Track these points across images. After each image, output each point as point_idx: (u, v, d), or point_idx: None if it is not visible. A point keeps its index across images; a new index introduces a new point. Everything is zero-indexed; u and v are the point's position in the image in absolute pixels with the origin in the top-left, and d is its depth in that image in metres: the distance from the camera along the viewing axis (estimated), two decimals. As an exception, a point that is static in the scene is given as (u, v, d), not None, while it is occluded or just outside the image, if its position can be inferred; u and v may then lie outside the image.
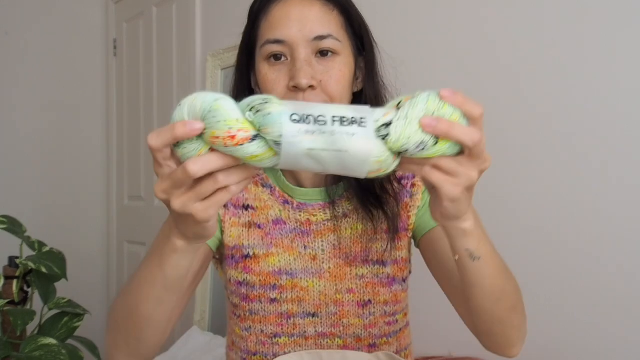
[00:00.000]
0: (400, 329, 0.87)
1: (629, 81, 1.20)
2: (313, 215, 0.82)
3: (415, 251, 0.88)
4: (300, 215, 0.82)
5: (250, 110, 0.49)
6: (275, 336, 0.82)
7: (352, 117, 0.48)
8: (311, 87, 0.72)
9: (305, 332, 0.81)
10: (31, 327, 1.69)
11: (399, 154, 0.51)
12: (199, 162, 0.48)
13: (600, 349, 1.24)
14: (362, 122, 0.48)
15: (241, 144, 0.48)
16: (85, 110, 2.92)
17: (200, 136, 0.50)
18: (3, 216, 1.72)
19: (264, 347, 0.82)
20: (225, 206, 0.84)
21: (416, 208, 0.83)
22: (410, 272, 0.87)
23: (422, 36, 1.61)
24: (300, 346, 0.82)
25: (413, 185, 0.84)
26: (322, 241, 0.82)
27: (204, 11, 2.43)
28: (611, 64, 1.23)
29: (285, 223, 0.83)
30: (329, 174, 0.83)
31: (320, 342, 0.82)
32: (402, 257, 0.83)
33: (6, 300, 1.65)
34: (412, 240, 0.87)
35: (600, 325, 1.24)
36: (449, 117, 0.51)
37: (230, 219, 0.83)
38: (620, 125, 1.22)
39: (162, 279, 0.61)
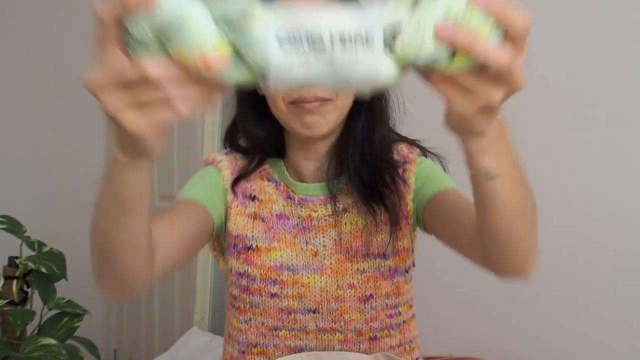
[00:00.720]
0: (404, 321, 0.86)
1: (630, 80, 1.20)
2: (314, 210, 0.83)
3: (418, 246, 0.88)
4: (301, 211, 0.83)
5: (226, 24, 0.40)
6: (275, 329, 0.82)
7: (356, 33, 0.39)
8: None
9: (305, 327, 0.82)
10: (31, 327, 1.69)
11: (407, 64, 0.42)
12: (159, 65, 0.40)
13: (602, 350, 1.24)
14: (368, 39, 0.39)
15: (218, 68, 0.40)
16: (85, 110, 2.92)
17: (163, 47, 0.40)
18: (3, 216, 1.72)
19: (265, 339, 0.83)
20: (234, 193, 0.83)
21: (412, 193, 0.83)
22: (414, 265, 0.87)
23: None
24: (300, 340, 0.82)
25: (405, 170, 0.83)
26: (324, 237, 0.82)
27: (204, 11, 2.43)
28: (616, 62, 1.23)
29: (288, 218, 0.83)
30: (329, 169, 0.83)
31: (321, 337, 0.82)
32: (403, 247, 0.83)
33: (6, 301, 1.65)
34: (414, 227, 0.85)
35: (603, 326, 1.24)
36: (476, 28, 0.41)
37: (237, 206, 0.83)
38: (626, 124, 1.22)
39: (111, 195, 0.54)
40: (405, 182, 0.83)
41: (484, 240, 0.63)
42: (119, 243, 0.58)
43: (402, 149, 0.86)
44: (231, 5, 0.40)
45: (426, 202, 0.81)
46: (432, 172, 0.83)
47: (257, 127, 0.85)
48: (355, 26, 0.39)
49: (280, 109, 0.78)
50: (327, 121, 0.77)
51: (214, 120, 2.06)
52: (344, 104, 0.79)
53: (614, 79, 1.23)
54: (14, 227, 1.71)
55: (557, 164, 1.32)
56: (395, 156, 0.85)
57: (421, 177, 0.83)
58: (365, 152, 0.81)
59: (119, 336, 2.83)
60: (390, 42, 0.41)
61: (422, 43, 0.40)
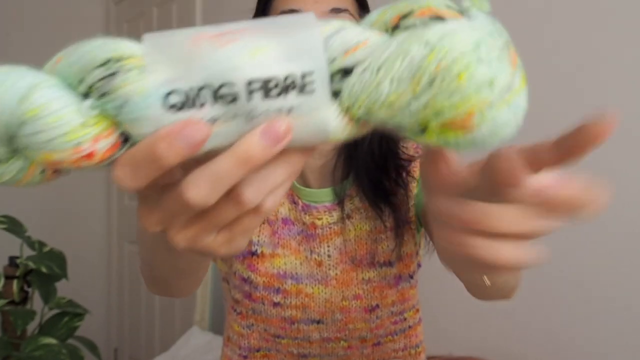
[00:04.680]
0: (410, 327, 0.85)
1: (627, 79, 1.21)
2: (318, 218, 0.79)
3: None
4: (305, 218, 0.79)
5: (91, 91, 0.26)
6: (278, 337, 0.81)
7: (287, 78, 0.25)
8: None
9: (309, 337, 0.80)
10: (32, 327, 1.69)
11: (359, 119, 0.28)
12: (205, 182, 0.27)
13: (604, 350, 1.24)
14: (306, 83, 0.26)
15: (111, 156, 0.27)
16: (85, 110, 2.92)
17: (11, 147, 0.27)
18: (3, 216, 1.72)
19: (267, 344, 0.82)
20: None
21: (414, 198, 0.79)
22: (419, 266, 0.84)
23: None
24: (304, 348, 0.81)
25: (410, 171, 0.81)
26: (328, 246, 0.79)
27: (204, 12, 2.44)
28: (611, 63, 1.23)
29: (293, 224, 0.80)
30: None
31: (325, 346, 0.81)
32: (407, 253, 0.80)
33: (6, 300, 1.65)
34: (418, 231, 0.83)
35: (602, 326, 1.24)
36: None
37: None
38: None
39: (172, 265, 0.48)
40: (409, 182, 0.80)
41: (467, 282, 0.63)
42: (173, 282, 0.56)
43: (409, 148, 0.82)
44: (91, 56, 0.26)
45: (424, 204, 0.78)
46: None
47: None
48: (288, 69, 0.25)
49: None
50: None
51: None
52: None
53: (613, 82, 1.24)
54: (14, 226, 1.72)
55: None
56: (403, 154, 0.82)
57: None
58: (374, 147, 0.78)
59: (120, 336, 2.84)
60: (336, 90, 0.27)
61: (377, 97, 0.26)
